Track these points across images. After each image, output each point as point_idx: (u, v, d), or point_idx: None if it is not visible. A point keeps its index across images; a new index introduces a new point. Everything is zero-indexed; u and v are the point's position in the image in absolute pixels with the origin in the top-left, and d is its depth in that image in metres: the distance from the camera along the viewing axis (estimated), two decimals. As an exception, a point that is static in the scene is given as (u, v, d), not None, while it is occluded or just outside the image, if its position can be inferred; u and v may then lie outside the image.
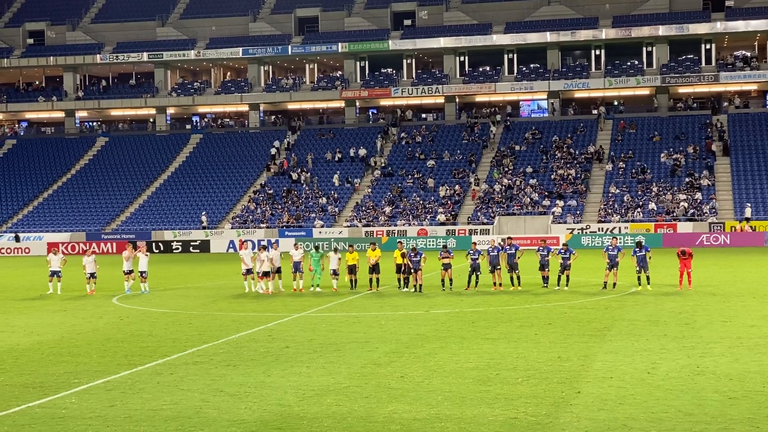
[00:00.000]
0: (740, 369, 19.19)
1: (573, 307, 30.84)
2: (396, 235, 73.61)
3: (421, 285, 36.98)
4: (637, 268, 35.64)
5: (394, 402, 16.70)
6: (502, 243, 38.06)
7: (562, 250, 36.63)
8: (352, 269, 37.83)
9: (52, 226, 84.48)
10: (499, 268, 36.90)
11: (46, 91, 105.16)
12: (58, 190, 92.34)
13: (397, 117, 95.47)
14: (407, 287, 37.35)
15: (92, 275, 38.75)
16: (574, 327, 25.85)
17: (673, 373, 18.89)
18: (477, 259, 37.17)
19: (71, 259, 46.03)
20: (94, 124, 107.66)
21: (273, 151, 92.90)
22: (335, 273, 38.15)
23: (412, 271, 37.06)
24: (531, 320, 27.52)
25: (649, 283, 35.74)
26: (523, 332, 25.03)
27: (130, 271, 38.84)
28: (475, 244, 39.07)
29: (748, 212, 72.11)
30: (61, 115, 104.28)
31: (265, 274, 37.72)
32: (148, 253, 39.97)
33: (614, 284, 35.92)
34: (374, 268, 37.58)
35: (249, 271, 38.25)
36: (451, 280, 37.45)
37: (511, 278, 37.05)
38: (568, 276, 36.67)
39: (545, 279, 37.15)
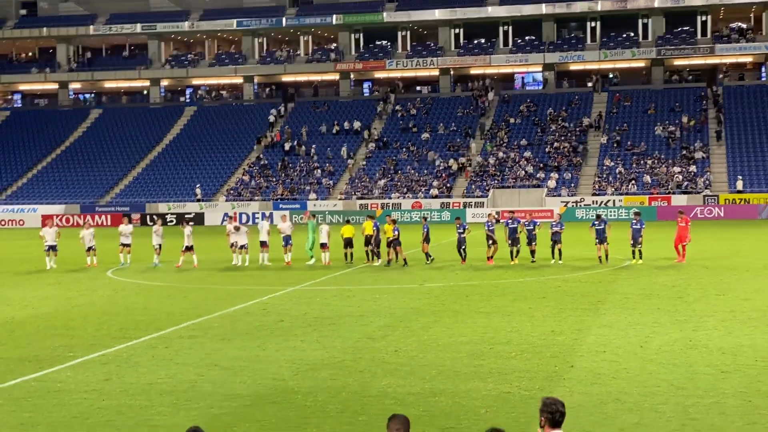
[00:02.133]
0: (733, 343, 19.30)
1: (567, 280, 30.95)
2: (390, 207, 73.59)
3: (404, 259, 37.14)
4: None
5: (389, 376, 16.78)
6: (505, 216, 38.42)
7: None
8: (368, 240, 37.90)
9: (47, 199, 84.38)
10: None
11: (39, 63, 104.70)
12: (52, 162, 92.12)
13: (394, 89, 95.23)
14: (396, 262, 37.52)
15: (91, 248, 38.73)
16: (568, 301, 25.94)
17: (665, 346, 18.99)
18: (462, 233, 37.16)
19: (66, 232, 45.98)
20: (88, 96, 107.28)
21: (271, 118, 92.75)
22: (325, 246, 38.11)
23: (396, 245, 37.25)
24: (525, 294, 27.61)
25: (641, 257, 35.84)
26: (517, 306, 25.11)
27: (127, 245, 38.88)
28: (458, 219, 39.19)
29: (739, 185, 72.22)
30: (54, 86, 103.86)
31: (262, 244, 38.02)
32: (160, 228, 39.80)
33: (606, 257, 35.99)
34: (393, 242, 37.59)
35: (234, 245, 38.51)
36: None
37: (511, 252, 37.06)
38: (560, 250, 36.75)
39: (533, 253, 37.08)
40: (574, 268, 34.49)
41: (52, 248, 38.83)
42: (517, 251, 37.11)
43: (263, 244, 38.22)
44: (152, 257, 39.01)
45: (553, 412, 8.26)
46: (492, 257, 37.16)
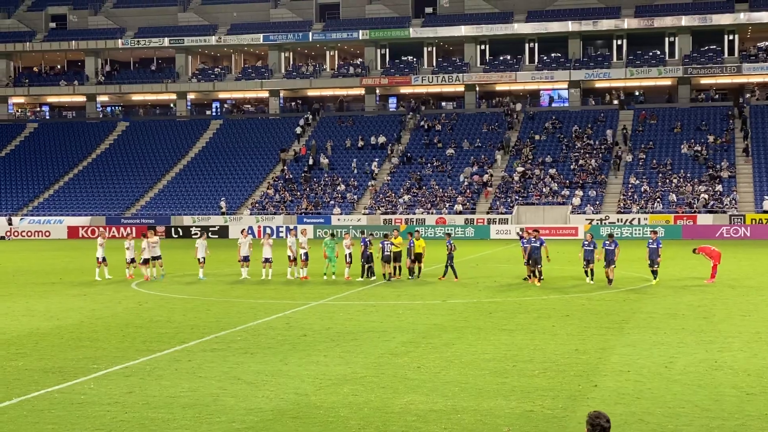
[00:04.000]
0: (759, 364, 19.10)
1: (591, 299, 30.76)
2: (414, 223, 73.53)
3: (390, 274, 37.34)
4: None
5: (411, 393, 16.71)
6: (527, 234, 36.79)
7: (586, 242, 35.45)
8: (397, 257, 37.79)
9: (73, 210, 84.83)
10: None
11: (67, 75, 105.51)
12: (78, 174, 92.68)
13: (419, 104, 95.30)
14: (411, 276, 37.55)
15: (132, 260, 38.90)
16: (592, 319, 25.79)
17: (690, 367, 18.82)
18: (452, 249, 37.14)
19: (90, 244, 46.14)
20: (115, 108, 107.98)
21: (299, 130, 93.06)
22: (349, 260, 38.11)
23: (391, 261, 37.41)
24: (549, 312, 27.46)
25: (655, 277, 35.08)
26: (540, 324, 24.98)
27: (154, 258, 38.92)
28: (449, 235, 38.86)
29: (766, 205, 71.72)
30: (82, 99, 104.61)
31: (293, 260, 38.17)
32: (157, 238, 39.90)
33: (610, 281, 34.31)
34: (418, 257, 37.68)
35: (246, 258, 38.53)
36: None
37: (533, 272, 35.83)
38: (592, 270, 35.41)
39: (539, 273, 35.46)
40: (599, 286, 34.28)
41: (105, 259, 38.96)
42: (539, 272, 35.47)
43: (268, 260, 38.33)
44: (188, 270, 39.06)
45: (594, 426, 8.42)
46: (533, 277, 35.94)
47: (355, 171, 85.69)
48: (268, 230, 71.79)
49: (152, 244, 38.74)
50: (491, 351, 20.75)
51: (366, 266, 37.79)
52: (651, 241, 35.26)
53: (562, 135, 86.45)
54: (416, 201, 78.73)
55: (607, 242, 34.68)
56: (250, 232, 74.60)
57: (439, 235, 71.36)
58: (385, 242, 37.50)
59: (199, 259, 38.89)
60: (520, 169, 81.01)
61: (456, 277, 37.14)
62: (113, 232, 76.38)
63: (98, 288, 35.57)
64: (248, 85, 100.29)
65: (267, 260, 38.43)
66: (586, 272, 35.44)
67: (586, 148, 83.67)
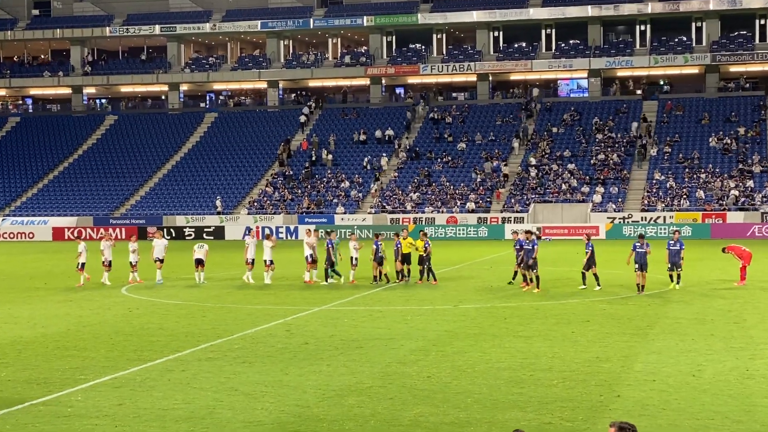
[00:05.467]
0: (793, 373, 19.10)
1: (613, 303, 30.75)
2: (423, 222, 73.57)
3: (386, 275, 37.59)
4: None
5: (420, 404, 16.73)
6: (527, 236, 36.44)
7: (638, 245, 33.56)
8: (405, 258, 37.82)
9: (58, 210, 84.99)
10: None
11: (51, 66, 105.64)
12: (64, 171, 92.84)
13: (428, 95, 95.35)
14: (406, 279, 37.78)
15: (135, 264, 39.02)
16: (614, 325, 25.78)
17: (720, 376, 18.82)
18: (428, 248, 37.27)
19: (76, 246, 46.09)
20: (103, 101, 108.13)
21: (303, 119, 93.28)
22: (354, 263, 38.13)
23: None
24: (568, 317, 27.46)
25: (679, 282, 34.51)
26: (559, 330, 24.98)
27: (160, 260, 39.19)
28: (425, 234, 38.76)
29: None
30: (67, 91, 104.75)
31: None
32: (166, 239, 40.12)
33: (642, 287, 33.47)
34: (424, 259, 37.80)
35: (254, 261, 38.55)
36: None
37: (526, 276, 35.26)
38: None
39: (531, 280, 34.92)
40: (621, 290, 34.24)
41: (111, 263, 39.08)
42: (537, 277, 34.65)
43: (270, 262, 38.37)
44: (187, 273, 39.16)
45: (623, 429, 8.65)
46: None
47: (368, 168, 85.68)
48: (267, 230, 71.83)
49: (159, 245, 39.23)
50: (506, 359, 20.76)
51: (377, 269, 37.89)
52: (672, 242, 34.57)
53: (582, 127, 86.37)
54: (425, 199, 78.73)
55: (638, 244, 33.49)
56: (247, 233, 74.79)
57: (450, 236, 71.45)
58: (378, 243, 37.68)
59: (197, 261, 38.91)
60: (532, 162, 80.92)
61: (435, 280, 37.32)
62: (101, 233, 76.37)
63: (85, 293, 35.64)
64: (245, 76, 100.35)
65: (267, 262, 38.42)
66: (638, 284, 33.61)
67: (608, 142, 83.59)
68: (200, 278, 38.59)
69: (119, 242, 47.14)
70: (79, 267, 38.52)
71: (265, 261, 38.23)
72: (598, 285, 34.31)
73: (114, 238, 41.70)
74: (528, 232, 36.04)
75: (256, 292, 35.59)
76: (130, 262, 38.92)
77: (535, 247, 34.78)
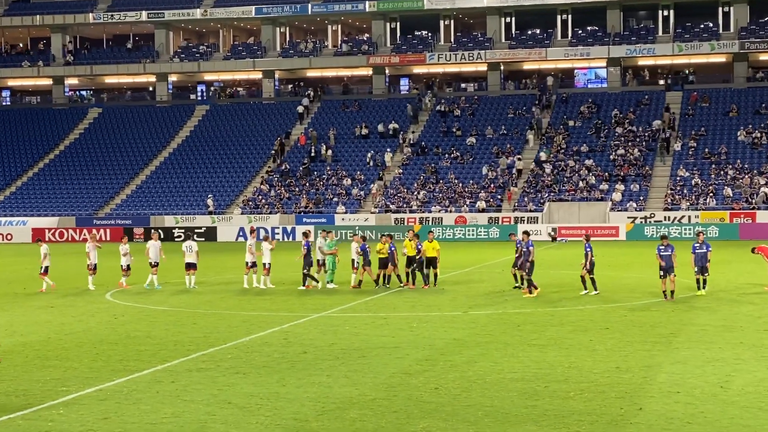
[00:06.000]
0: (828, 384, 19.07)
1: (634, 309, 30.73)
2: (430, 222, 73.56)
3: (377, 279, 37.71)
4: (660, 272, 32.63)
5: (427, 418, 16.72)
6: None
7: (662, 248, 32.98)
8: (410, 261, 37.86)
9: (38, 210, 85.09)
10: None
11: (31, 55, 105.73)
12: (44, 168, 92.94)
13: (434, 86, 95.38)
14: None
15: (128, 267, 39.09)
16: (636, 332, 25.77)
17: (750, 387, 18.79)
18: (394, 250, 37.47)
19: (59, 248, 46.39)
20: (86, 92, 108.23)
21: (300, 109, 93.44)
22: (355, 266, 38.12)
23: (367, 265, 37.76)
24: (585, 324, 27.44)
25: (705, 287, 34.15)
26: (576, 338, 24.97)
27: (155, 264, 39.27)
28: (390, 236, 38.72)
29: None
30: (48, 82, 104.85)
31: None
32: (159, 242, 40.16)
33: (672, 293, 32.98)
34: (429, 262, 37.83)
35: (254, 264, 38.50)
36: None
37: (521, 279, 35.57)
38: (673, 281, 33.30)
39: (521, 279, 35.27)
40: (643, 295, 34.22)
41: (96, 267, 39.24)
42: (528, 281, 34.77)
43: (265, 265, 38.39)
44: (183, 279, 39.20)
45: None
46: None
47: (371, 164, 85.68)
48: (263, 231, 71.85)
49: (154, 248, 39.22)
50: (520, 369, 20.76)
51: (385, 271, 37.91)
52: (698, 244, 34.27)
53: (600, 120, 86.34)
54: (432, 197, 78.74)
55: (661, 247, 33.02)
56: (242, 234, 74.82)
57: (459, 237, 71.43)
58: (366, 245, 37.91)
59: (188, 264, 38.90)
60: (542, 158, 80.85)
61: (426, 284, 37.42)
62: (84, 234, 76.41)
63: (68, 299, 35.65)
64: (238, 65, 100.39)
65: (266, 266, 38.35)
66: (664, 291, 33.02)
67: (628, 136, 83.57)
68: (191, 282, 38.61)
69: (104, 244, 47.06)
70: (42, 271, 38.53)
71: (264, 264, 38.23)
72: (595, 290, 34.42)
73: (99, 239, 41.69)
74: (525, 233, 36.18)
75: (251, 297, 35.59)
76: (122, 266, 38.93)
77: (530, 248, 34.84)
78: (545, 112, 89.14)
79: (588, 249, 34.62)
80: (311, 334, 26.13)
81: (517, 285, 36.29)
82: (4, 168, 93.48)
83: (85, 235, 75.07)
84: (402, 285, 37.48)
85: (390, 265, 37.53)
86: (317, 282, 38.09)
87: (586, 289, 34.64)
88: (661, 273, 32.74)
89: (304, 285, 37.86)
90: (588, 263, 34.41)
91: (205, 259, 40.03)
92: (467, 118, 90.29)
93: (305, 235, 39.32)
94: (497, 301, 33.22)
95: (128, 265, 38.98)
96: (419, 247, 37.42)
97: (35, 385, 19.78)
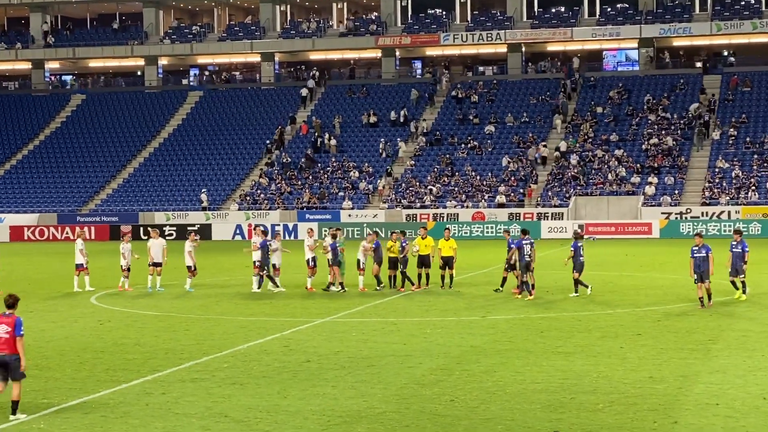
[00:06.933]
0: None
1: (669, 313, 30.69)
2: (445, 219, 73.57)
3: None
4: (695, 277, 31.63)
5: (442, 432, 16.75)
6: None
7: (695, 249, 32.11)
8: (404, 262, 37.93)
9: (16, 206, 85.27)
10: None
11: (8, 37, 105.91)
12: (23, 160, 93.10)
13: (449, 69, 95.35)
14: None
15: (128, 268, 39.22)
16: (671, 339, 25.74)
17: (796, 399, 18.79)
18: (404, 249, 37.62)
19: (40, 248, 46.44)
20: (68, 77, 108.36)
21: (304, 92, 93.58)
22: (361, 267, 38.12)
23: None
24: (616, 330, 27.42)
25: (745, 290, 33.72)
26: (605, 345, 24.96)
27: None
28: (404, 233, 39.13)
29: None
30: (26, 66, 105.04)
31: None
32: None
33: (709, 298, 32.19)
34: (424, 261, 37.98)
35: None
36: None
37: (526, 282, 35.26)
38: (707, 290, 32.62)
39: (526, 283, 34.99)
40: (678, 297, 34.18)
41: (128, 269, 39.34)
42: (528, 281, 34.97)
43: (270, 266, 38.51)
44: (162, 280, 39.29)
45: None
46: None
47: (383, 154, 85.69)
48: (261, 227, 71.88)
49: (157, 246, 39.27)
50: (543, 380, 20.76)
51: (396, 272, 37.99)
52: (734, 243, 33.59)
53: (631, 107, 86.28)
54: (447, 191, 78.75)
55: (695, 248, 32.11)
56: (239, 232, 74.92)
57: (476, 234, 71.47)
58: (379, 242, 38.04)
59: (188, 267, 39.08)
60: (563, 148, 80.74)
61: (413, 285, 37.53)
62: (67, 232, 76.68)
63: (49, 303, 35.71)
64: (235, 47, 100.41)
65: (274, 267, 38.33)
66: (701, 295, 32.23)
67: (662, 123, 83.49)
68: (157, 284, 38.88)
69: (89, 243, 47.12)
70: (83, 267, 38.85)
71: (274, 265, 38.25)
72: (576, 292, 34.81)
73: (86, 239, 41.78)
74: (524, 231, 36.41)
75: (249, 301, 35.61)
76: (122, 267, 39.03)
77: (524, 247, 35.03)
78: (571, 97, 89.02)
79: (573, 248, 34.98)
80: (315, 341, 26.14)
81: (498, 289, 36.59)
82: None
83: (68, 233, 75.44)
84: (414, 287, 37.54)
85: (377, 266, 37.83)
86: (277, 287, 38.16)
87: (576, 292, 34.98)
88: (695, 277, 31.76)
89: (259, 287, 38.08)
90: (568, 259, 34.95)
91: (199, 259, 40.04)
92: (485, 104, 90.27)
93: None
94: (518, 305, 33.20)
95: (128, 266, 39.11)
96: (404, 245, 37.47)
97: (14, 397, 19.80)
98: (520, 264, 35.19)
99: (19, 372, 17.78)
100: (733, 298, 33.64)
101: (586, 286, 35.08)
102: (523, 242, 35.08)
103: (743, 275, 33.72)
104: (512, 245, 36.05)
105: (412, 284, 37.72)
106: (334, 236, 38.40)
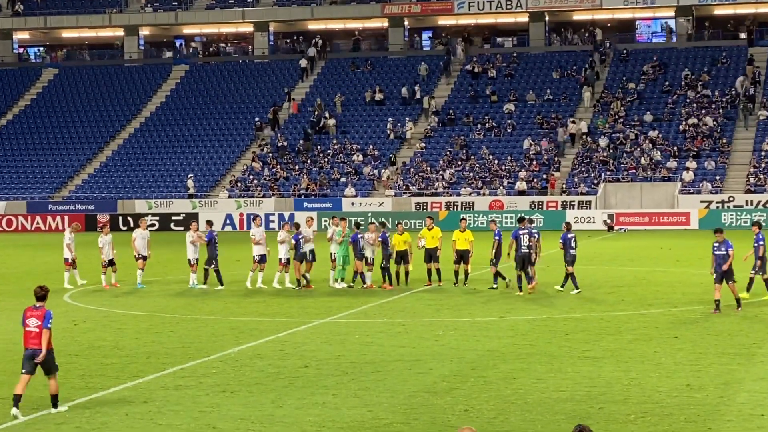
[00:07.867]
0: None
1: (708, 314, 30.66)
2: (459, 208, 73.52)
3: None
4: (714, 275, 31.09)
5: (455, 446, 16.77)
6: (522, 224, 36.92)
7: (716, 245, 31.49)
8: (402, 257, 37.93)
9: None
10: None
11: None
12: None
13: (465, 41, 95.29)
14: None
15: (111, 262, 39.31)
16: (710, 342, 25.76)
17: None
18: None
19: (5, 239, 46.40)
20: (39, 50, 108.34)
21: (303, 63, 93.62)
22: (369, 262, 38.19)
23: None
24: (649, 332, 27.44)
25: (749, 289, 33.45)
26: (637, 349, 24.98)
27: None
28: (384, 224, 39.17)
29: None
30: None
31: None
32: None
33: (738, 303, 31.65)
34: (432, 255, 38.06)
35: (263, 258, 38.55)
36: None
37: (519, 277, 35.74)
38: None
39: (520, 278, 35.59)
40: (722, 297, 34.11)
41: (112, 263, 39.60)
42: (526, 276, 35.57)
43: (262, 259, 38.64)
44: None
45: None
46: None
47: (390, 135, 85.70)
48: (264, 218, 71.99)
49: (141, 238, 39.43)
50: (568, 387, 20.78)
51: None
52: (716, 245, 31.51)
53: (668, 83, 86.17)
54: (462, 177, 78.72)
55: (716, 244, 31.44)
56: (229, 221, 74.92)
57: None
58: (387, 234, 38.20)
59: (189, 261, 39.25)
60: (583, 129, 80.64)
61: (390, 284, 37.74)
62: (37, 222, 76.76)
63: (17, 302, 35.72)
64: (224, 17, 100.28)
65: (282, 260, 38.37)
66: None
67: (702, 102, 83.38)
68: (193, 281, 39.05)
69: (60, 234, 47.13)
70: (106, 264, 39.12)
71: (279, 260, 38.25)
72: (562, 286, 35.48)
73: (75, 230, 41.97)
74: (522, 219, 36.71)
75: (241, 299, 35.65)
76: (102, 262, 39.15)
77: (520, 235, 35.50)
78: (600, 73, 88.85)
79: (562, 240, 35.45)
80: (314, 344, 26.18)
81: (493, 285, 36.88)
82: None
83: (38, 223, 75.54)
84: (386, 286, 37.57)
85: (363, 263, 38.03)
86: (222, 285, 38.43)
87: (562, 287, 35.48)
88: (716, 277, 31.06)
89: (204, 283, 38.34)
90: (554, 249, 35.48)
91: (183, 252, 40.07)
92: (504, 80, 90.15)
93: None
94: (541, 304, 33.21)
95: (111, 260, 39.19)
96: (384, 237, 37.57)
97: (-22, 406, 19.86)
98: (516, 256, 35.46)
99: (54, 365, 18.99)
100: (766, 299, 32.92)
101: (576, 287, 35.20)
102: (520, 232, 35.30)
103: (765, 273, 32.77)
104: (496, 237, 36.88)
105: (390, 283, 37.73)
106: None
